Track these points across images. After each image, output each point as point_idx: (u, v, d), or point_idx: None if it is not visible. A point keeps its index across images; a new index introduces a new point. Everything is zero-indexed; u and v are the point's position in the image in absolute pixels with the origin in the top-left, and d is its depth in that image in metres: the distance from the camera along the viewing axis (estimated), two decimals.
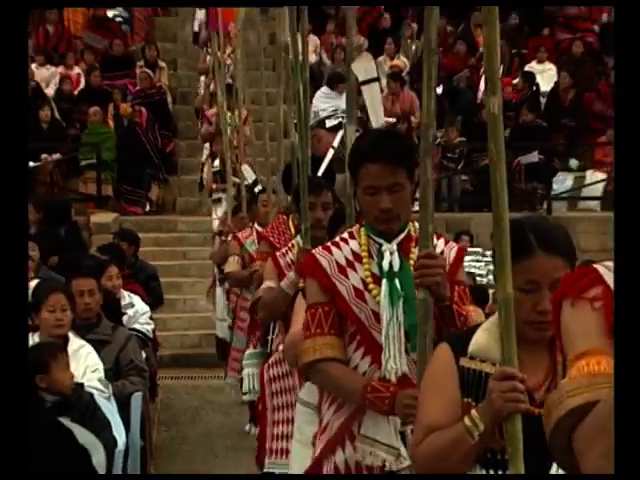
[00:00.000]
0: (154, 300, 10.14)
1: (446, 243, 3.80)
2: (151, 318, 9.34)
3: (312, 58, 16.79)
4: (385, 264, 3.59)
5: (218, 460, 8.62)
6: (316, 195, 5.64)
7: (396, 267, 3.59)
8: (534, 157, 15.58)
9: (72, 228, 12.99)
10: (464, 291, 3.67)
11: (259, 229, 8.27)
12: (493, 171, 2.72)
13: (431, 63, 3.26)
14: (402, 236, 3.66)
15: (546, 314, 2.75)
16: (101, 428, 5.68)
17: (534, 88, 16.50)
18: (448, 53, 17.10)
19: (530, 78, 16.57)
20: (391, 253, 3.60)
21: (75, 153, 15.81)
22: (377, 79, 5.64)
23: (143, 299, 9.21)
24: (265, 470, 5.65)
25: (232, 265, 8.57)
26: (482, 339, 2.89)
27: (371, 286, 3.60)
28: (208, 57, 15.29)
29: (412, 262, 3.51)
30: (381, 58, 17.02)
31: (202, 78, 15.75)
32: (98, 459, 5.27)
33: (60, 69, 16.89)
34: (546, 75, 16.73)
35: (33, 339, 6.21)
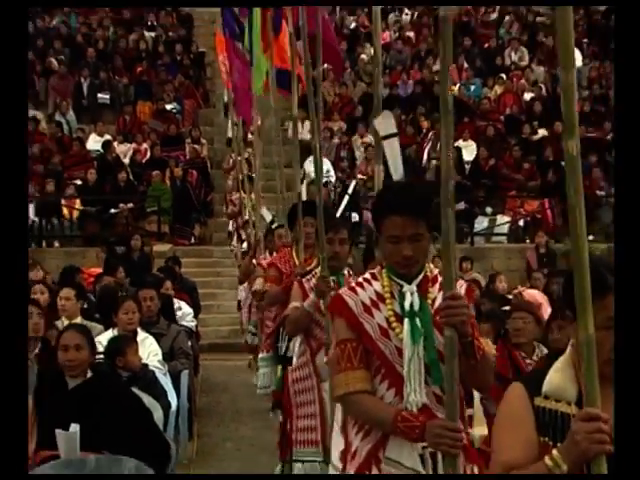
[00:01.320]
0: (195, 309, 10.15)
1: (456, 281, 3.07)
2: (194, 317, 9.39)
3: (307, 136, 16.86)
4: (407, 305, 2.93)
5: (242, 418, 8.54)
6: (335, 232, 4.89)
7: (416, 307, 2.93)
8: (461, 206, 15.64)
9: (143, 255, 13.06)
10: (474, 324, 2.94)
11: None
12: (572, 211, 2.04)
13: (448, 122, 2.63)
14: (420, 277, 2.99)
15: None
16: (160, 395, 5.65)
17: (461, 158, 16.59)
18: (402, 134, 17.12)
19: (458, 151, 16.64)
20: (411, 294, 2.94)
21: (143, 203, 15.76)
22: (397, 134, 4.76)
23: (188, 304, 9.24)
24: (294, 458, 4.93)
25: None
26: (556, 379, 2.22)
27: (394, 324, 2.93)
28: (231, 160, 15.27)
29: (430, 301, 2.96)
30: (355, 136, 17.11)
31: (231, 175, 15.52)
32: (158, 416, 5.23)
33: (133, 145, 16.87)
34: (469, 149, 16.78)
35: (113, 333, 6.20)
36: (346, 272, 4.87)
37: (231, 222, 13.61)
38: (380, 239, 2.99)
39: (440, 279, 2.96)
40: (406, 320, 2.92)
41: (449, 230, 2.66)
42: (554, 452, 2.11)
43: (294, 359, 5.19)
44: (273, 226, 9.45)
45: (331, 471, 3.98)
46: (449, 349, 2.69)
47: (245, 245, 11.76)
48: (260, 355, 6.96)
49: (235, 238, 12.93)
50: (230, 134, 15.90)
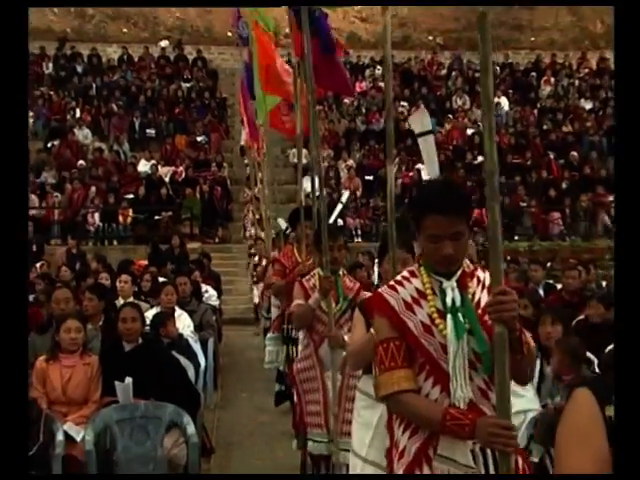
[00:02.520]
0: (218, 292, 10.10)
1: (484, 270, 2.37)
2: (218, 297, 9.38)
3: (304, 161, 16.74)
4: (448, 300, 2.26)
5: (255, 374, 8.46)
6: (334, 240, 4.26)
7: (458, 302, 2.25)
8: None
9: (183, 251, 13.04)
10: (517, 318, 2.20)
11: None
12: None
13: (491, 118, 2.08)
14: (459, 273, 2.30)
15: None
16: (192, 357, 5.66)
17: (420, 178, 16.56)
18: (374, 158, 17.11)
19: (419, 172, 16.63)
20: (452, 290, 2.27)
21: (179, 211, 15.69)
22: (432, 132, 3.69)
23: (213, 289, 9.25)
24: (308, 437, 4.28)
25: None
26: None
27: (438, 321, 2.25)
28: (247, 193, 15.21)
29: (470, 295, 2.29)
30: (340, 161, 17.11)
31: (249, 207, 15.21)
32: (190, 374, 5.24)
33: (172, 167, 16.77)
34: (426, 171, 16.78)
35: (156, 309, 6.21)
36: (341, 273, 4.44)
37: (248, 247, 13.94)
38: (420, 238, 2.30)
39: (477, 273, 2.36)
40: (449, 316, 2.25)
41: (496, 224, 2.06)
42: None
43: (299, 349, 4.56)
44: (287, 231, 9.17)
45: (351, 458, 3.47)
46: (500, 345, 2.06)
47: (256, 258, 11.93)
48: (268, 335, 6.56)
49: (251, 263, 13.20)
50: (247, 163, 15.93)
